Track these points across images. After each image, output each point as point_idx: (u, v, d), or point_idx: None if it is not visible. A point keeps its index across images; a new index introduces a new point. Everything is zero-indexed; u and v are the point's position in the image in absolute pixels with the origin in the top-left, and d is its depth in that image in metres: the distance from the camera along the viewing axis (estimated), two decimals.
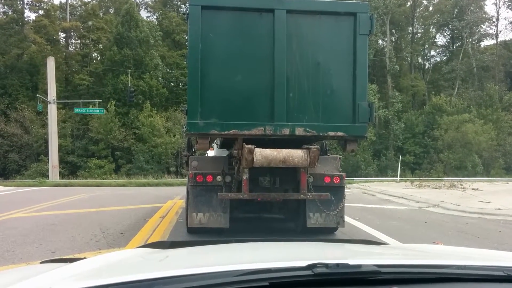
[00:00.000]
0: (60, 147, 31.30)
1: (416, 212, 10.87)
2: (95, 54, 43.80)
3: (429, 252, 2.12)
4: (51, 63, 28.48)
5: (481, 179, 26.65)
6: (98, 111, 31.10)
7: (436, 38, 48.45)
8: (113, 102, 34.70)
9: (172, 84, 41.61)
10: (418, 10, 47.81)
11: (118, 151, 34.65)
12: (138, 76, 37.94)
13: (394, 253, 2.14)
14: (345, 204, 6.53)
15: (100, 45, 43.01)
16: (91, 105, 32.54)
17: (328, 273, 1.32)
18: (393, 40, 46.20)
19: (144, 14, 47.88)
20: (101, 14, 45.86)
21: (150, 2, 50.36)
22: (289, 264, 1.44)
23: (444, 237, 7.09)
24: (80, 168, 33.48)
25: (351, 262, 1.40)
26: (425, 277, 1.41)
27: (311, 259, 1.38)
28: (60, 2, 45.36)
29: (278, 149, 5.40)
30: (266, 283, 1.27)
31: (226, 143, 7.15)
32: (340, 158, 6.86)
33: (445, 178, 27.75)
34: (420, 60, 49.25)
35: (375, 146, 38.48)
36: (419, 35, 48.22)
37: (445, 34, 48.66)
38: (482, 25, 46.21)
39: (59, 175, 28.71)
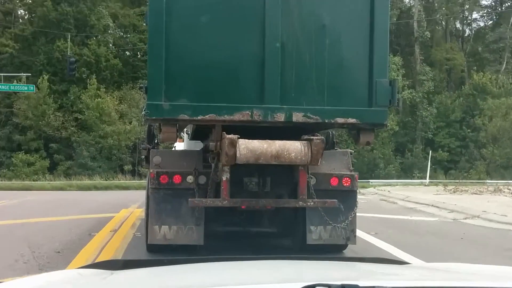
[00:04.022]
0: None
1: (449, 225, 11.01)
2: (22, 11, 43.12)
3: (460, 273, 2.17)
4: None
5: None
6: (26, 88, 30.69)
7: None
8: (46, 77, 34.28)
9: (127, 53, 41.19)
10: None
11: (54, 142, 34.31)
12: (81, 41, 37.46)
13: (416, 274, 2.19)
14: (357, 214, 6.58)
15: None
16: (16, 80, 32.09)
17: None
18: None
19: None
20: None
21: None
22: (281, 287, 1.45)
23: (486, 258, 7.20)
24: (1, 166, 33.08)
25: (361, 283, 1.42)
26: None
27: (310, 280, 1.40)
28: None
29: (270, 141, 5.41)
30: None
31: (200, 133, 7.13)
32: (351, 154, 6.89)
33: (488, 181, 28.19)
34: (458, 25, 49.70)
35: (397, 138, 38.80)
36: None
37: None
38: None
39: None
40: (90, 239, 8.26)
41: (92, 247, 7.55)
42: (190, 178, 6.13)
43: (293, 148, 5.41)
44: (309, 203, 5.88)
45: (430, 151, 32.62)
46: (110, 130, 33.65)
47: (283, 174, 6.18)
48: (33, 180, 28.75)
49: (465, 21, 49.41)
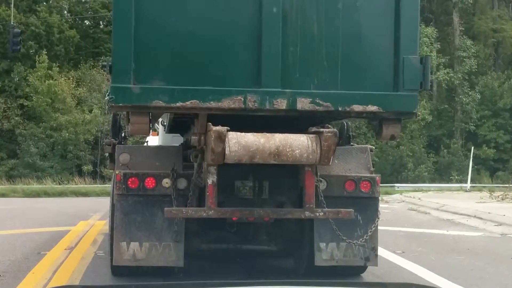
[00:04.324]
0: None
1: (496, 242, 11.06)
2: None
3: None
4: None
5: None
6: None
7: None
8: None
9: (86, 22, 41.06)
10: None
11: None
12: (28, 7, 37.27)
13: None
14: (379, 228, 6.62)
15: None
16: None
17: None
18: None
19: None
20: None
21: None
22: None
23: None
24: None
25: None
26: None
27: None
28: None
29: (268, 134, 5.41)
30: None
31: (179, 124, 7.13)
32: (372, 151, 6.90)
33: None
34: None
35: (431, 131, 38.83)
36: None
37: None
38: None
39: None
40: (39, 259, 8.26)
41: (42, 270, 7.54)
42: (166, 182, 6.14)
43: (298, 144, 5.41)
44: (318, 214, 5.87)
45: (472, 148, 32.61)
46: (65, 121, 33.55)
47: (284, 176, 6.21)
48: None
49: None
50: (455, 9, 41.51)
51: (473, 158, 30.81)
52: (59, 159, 33.58)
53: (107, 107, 6.46)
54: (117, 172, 6.32)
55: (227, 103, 5.38)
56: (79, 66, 37.33)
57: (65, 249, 9.07)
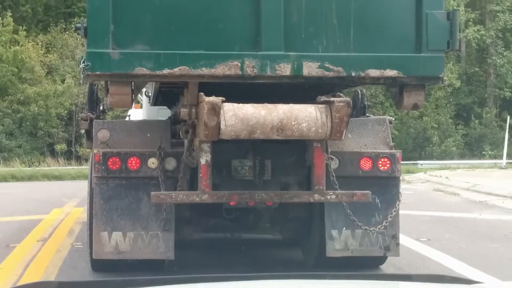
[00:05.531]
0: None
1: None
2: None
3: None
4: None
5: None
6: None
7: None
8: None
9: None
10: None
11: None
12: None
13: None
14: (401, 212, 6.63)
15: None
16: None
17: None
18: None
19: None
20: None
21: None
22: None
23: None
24: None
25: None
26: None
27: None
28: None
29: (270, 105, 5.40)
30: None
31: (166, 95, 7.13)
32: (391, 123, 6.90)
33: None
34: None
35: (459, 98, 38.77)
36: None
37: None
38: None
39: None
40: (8, 252, 8.31)
41: (12, 265, 7.57)
42: (152, 162, 6.15)
43: (305, 115, 5.40)
44: (329, 197, 5.89)
45: (508, 117, 32.57)
46: (34, 93, 33.51)
47: (290, 154, 6.23)
48: None
49: None
50: None
51: (509, 130, 30.77)
52: (28, 137, 33.59)
53: (82, 76, 6.44)
54: (95, 152, 6.31)
55: (221, 70, 5.37)
56: (48, 29, 37.19)
57: (38, 241, 9.11)
